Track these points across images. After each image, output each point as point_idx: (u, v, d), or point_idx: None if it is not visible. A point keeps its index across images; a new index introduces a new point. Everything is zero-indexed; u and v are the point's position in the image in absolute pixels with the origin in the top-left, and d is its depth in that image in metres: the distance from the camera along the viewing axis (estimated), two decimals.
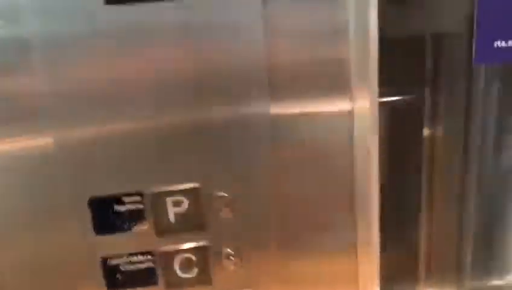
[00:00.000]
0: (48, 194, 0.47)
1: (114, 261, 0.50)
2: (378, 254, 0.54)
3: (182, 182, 0.48)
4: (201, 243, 0.51)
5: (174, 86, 0.45)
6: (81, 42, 0.42)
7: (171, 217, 0.49)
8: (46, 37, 0.42)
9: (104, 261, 0.49)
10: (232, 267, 0.52)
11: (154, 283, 0.51)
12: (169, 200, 0.49)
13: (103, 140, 0.46)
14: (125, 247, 0.50)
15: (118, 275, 0.50)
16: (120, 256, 0.50)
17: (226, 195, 0.49)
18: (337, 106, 0.49)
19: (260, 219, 0.51)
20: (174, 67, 0.44)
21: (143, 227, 0.49)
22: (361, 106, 0.48)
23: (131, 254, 0.50)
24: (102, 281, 0.50)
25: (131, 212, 0.48)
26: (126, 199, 0.48)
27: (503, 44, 0.53)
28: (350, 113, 0.49)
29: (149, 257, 0.50)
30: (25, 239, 0.49)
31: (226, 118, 0.47)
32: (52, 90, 0.43)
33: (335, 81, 0.47)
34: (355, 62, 0.47)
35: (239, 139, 0.48)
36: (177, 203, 0.49)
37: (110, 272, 0.50)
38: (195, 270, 0.52)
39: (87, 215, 0.48)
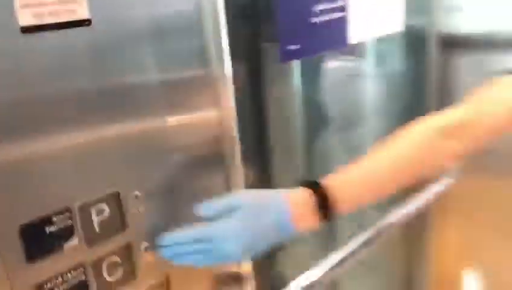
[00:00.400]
0: None
1: (49, 286, 0.51)
2: None
3: (102, 191, 0.54)
4: (124, 243, 0.57)
5: (90, 105, 0.51)
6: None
7: (96, 226, 0.54)
8: None
9: (39, 287, 0.50)
10: (151, 259, 0.59)
11: None
12: (93, 210, 0.53)
13: (25, 163, 0.47)
14: (58, 268, 0.51)
15: None
16: (54, 278, 0.51)
17: (140, 194, 0.57)
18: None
19: (168, 211, 0.60)
20: (87, 88, 0.50)
21: (73, 243, 0.52)
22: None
23: (63, 273, 0.52)
24: None
25: (61, 230, 0.51)
26: (55, 218, 0.50)
27: (294, 47, 0.76)
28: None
29: (81, 269, 0.53)
30: None
31: (130, 131, 0.55)
32: None
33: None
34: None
35: (143, 147, 0.56)
36: (100, 211, 0.54)
37: None
38: (121, 271, 0.57)
39: (17, 244, 0.48)
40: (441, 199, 1.13)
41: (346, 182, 0.61)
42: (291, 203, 0.58)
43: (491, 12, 1.14)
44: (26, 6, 0.44)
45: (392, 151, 0.64)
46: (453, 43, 1.20)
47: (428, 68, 1.19)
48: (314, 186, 0.59)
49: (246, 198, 0.59)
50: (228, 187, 0.68)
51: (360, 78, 1.17)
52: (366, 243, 0.87)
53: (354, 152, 1.15)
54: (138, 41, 0.54)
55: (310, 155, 1.02)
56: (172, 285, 0.62)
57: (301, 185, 0.60)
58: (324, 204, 0.58)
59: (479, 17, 1.17)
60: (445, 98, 1.24)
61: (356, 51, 1.12)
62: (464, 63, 1.23)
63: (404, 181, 0.64)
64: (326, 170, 0.62)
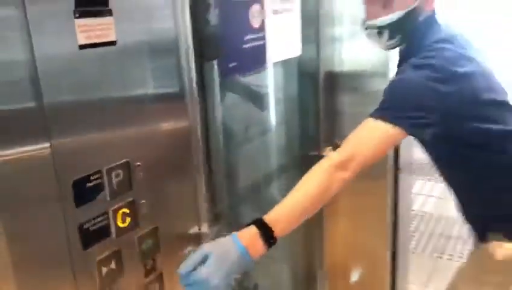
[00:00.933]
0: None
1: (86, 225, 0.72)
2: None
3: (120, 160, 0.76)
4: (130, 199, 0.79)
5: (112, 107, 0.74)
6: None
7: (115, 185, 0.76)
8: None
9: (81, 226, 0.71)
10: (147, 212, 0.83)
11: (108, 235, 0.76)
12: (113, 173, 0.76)
13: (78, 144, 0.69)
14: (92, 213, 0.73)
15: (89, 235, 0.73)
16: (90, 220, 0.73)
17: (140, 164, 0.80)
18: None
19: (161, 173, 0.85)
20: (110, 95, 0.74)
21: (102, 196, 0.74)
22: None
23: (95, 217, 0.73)
24: (79, 242, 0.71)
25: (95, 186, 0.73)
26: (92, 177, 0.72)
27: (232, 65, 1.05)
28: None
29: (105, 215, 0.75)
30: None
31: (134, 130, 0.79)
32: None
33: None
34: None
35: (140, 139, 0.80)
36: (117, 175, 0.76)
37: (84, 233, 0.72)
38: (129, 220, 0.80)
39: (70, 195, 0.69)
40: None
41: (280, 215, 0.91)
42: (244, 240, 0.85)
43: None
44: (82, 31, 0.67)
45: (307, 187, 0.96)
46: (336, 75, 1.57)
47: (317, 95, 1.54)
48: (259, 222, 0.88)
49: (212, 247, 0.85)
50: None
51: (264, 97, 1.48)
52: None
53: (259, 158, 1.47)
54: (139, 59, 0.79)
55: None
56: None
57: (251, 223, 0.89)
58: (267, 234, 0.87)
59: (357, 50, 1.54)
60: (332, 121, 1.60)
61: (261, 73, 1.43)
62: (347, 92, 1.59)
63: (318, 205, 0.98)
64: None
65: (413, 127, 1.00)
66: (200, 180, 0.98)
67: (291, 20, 1.26)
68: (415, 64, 1.01)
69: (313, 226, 1.67)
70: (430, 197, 3.56)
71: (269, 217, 0.89)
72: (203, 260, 0.82)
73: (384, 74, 1.51)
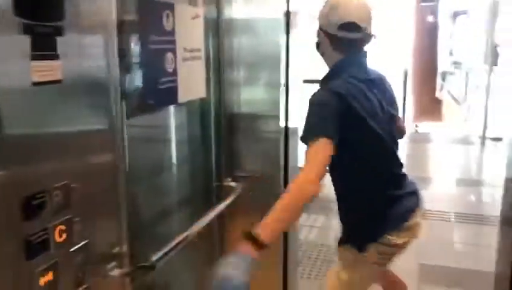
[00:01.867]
0: None
1: (31, 238, 0.81)
2: None
3: (60, 181, 0.87)
4: (68, 216, 0.90)
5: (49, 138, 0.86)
6: None
7: (56, 203, 0.87)
8: None
9: (25, 239, 0.80)
10: (80, 229, 0.93)
11: (48, 248, 0.86)
12: (54, 193, 0.86)
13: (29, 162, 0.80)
14: (36, 228, 0.82)
15: (32, 247, 0.82)
16: (33, 234, 0.82)
17: (76, 186, 0.92)
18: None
19: (93, 196, 0.96)
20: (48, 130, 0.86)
21: (44, 212, 0.84)
22: None
23: (39, 232, 0.83)
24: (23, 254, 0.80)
25: (40, 203, 0.83)
26: (37, 195, 0.82)
27: (151, 102, 1.21)
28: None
29: (46, 231, 0.85)
30: None
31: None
32: None
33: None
34: None
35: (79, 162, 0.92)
36: (57, 195, 0.87)
37: (28, 246, 0.81)
38: (65, 236, 0.90)
39: (18, 211, 0.79)
40: (230, 206, 1.68)
41: (263, 226, 1.30)
42: (246, 251, 1.26)
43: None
44: (36, 71, 0.80)
45: (286, 200, 1.35)
46: (236, 116, 1.78)
47: (219, 133, 1.73)
48: (250, 234, 1.28)
49: (227, 265, 1.24)
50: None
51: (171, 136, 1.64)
52: (193, 233, 1.34)
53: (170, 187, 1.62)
54: (76, 96, 0.92)
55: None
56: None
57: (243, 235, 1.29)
58: (256, 243, 1.26)
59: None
60: (232, 156, 1.80)
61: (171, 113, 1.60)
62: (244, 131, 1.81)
63: (297, 215, 1.42)
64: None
65: (335, 134, 1.41)
66: (123, 205, 1.10)
67: (197, 66, 1.46)
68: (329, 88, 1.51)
69: (214, 260, 1.82)
70: (314, 228, 3.93)
71: (256, 229, 1.30)
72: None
73: (276, 116, 1.77)
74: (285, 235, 1.88)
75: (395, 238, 1.64)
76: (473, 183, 5.38)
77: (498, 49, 7.27)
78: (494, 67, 7.07)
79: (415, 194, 1.73)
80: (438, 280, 3.06)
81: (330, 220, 4.13)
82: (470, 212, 4.17)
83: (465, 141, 7.39)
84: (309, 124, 1.43)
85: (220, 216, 1.68)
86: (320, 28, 1.59)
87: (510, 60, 6.78)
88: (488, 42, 7.72)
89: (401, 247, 1.71)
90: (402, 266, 3.27)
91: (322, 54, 1.65)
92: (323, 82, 1.60)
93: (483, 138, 7.01)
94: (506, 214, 1.76)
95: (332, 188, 1.70)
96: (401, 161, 1.74)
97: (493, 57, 7.07)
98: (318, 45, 1.64)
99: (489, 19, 8.00)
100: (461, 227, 3.96)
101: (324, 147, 1.37)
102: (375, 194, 1.61)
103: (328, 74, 1.62)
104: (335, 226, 3.98)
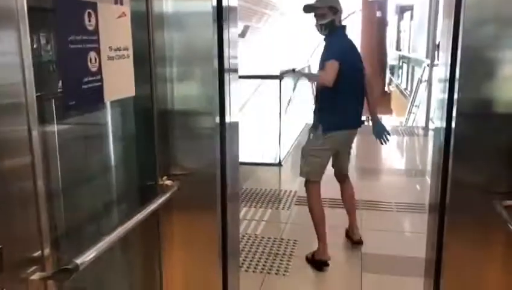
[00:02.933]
0: None
1: None
2: None
3: None
4: None
5: None
6: None
7: None
8: None
9: None
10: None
11: None
12: None
13: None
14: None
15: None
16: None
17: None
18: None
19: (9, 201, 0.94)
20: None
21: None
22: None
23: None
24: None
25: None
26: None
27: (72, 103, 1.19)
28: None
29: None
30: None
31: None
32: None
33: None
34: None
35: None
36: None
37: None
38: None
39: None
40: (167, 205, 1.68)
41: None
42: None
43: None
44: None
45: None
46: (169, 113, 1.76)
47: (152, 131, 1.71)
48: None
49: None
50: None
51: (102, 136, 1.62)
52: (122, 233, 1.33)
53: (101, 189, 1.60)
54: None
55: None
56: None
57: None
58: None
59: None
60: (167, 154, 1.77)
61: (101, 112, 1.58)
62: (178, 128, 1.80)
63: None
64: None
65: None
66: (43, 209, 1.08)
67: (125, 64, 1.44)
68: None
69: (152, 260, 1.82)
70: (260, 222, 3.98)
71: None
72: None
73: (210, 113, 1.77)
74: (224, 228, 1.90)
75: (344, 132, 3.20)
76: (417, 173, 5.60)
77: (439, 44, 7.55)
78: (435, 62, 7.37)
79: (361, 122, 3.30)
80: (380, 268, 3.18)
81: (270, 213, 4.20)
82: (414, 201, 4.34)
83: (410, 133, 7.67)
84: (328, 56, 3.04)
85: (156, 214, 1.68)
86: (336, 8, 3.12)
87: None
88: (429, 38, 8.03)
89: (341, 142, 3.26)
90: (345, 255, 3.39)
91: (329, 28, 3.13)
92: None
93: (426, 130, 7.30)
94: (432, 201, 1.86)
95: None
96: (362, 100, 3.25)
97: (434, 52, 7.35)
98: (328, 22, 3.12)
99: (430, 15, 8.32)
100: (404, 216, 4.13)
101: (333, 64, 2.97)
102: (346, 102, 3.11)
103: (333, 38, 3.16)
104: (275, 220, 4.07)
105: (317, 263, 3.17)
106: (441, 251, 1.73)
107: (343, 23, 3.29)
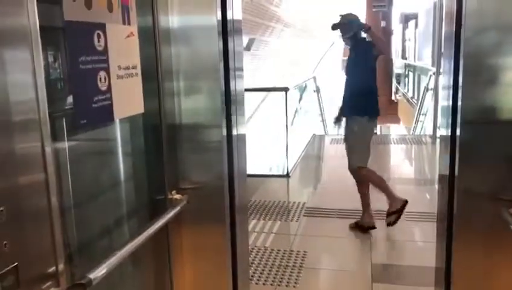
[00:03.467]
0: None
1: None
2: None
3: None
4: None
5: None
6: None
7: None
8: None
9: None
10: (8, 251, 0.94)
11: None
12: None
13: None
14: None
15: None
16: None
17: (3, 209, 0.92)
18: None
19: (22, 218, 0.97)
20: None
21: None
22: None
23: None
24: None
25: None
26: None
27: (83, 122, 1.22)
28: None
29: None
30: None
31: None
32: None
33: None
34: None
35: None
36: None
37: None
38: None
39: None
40: (176, 218, 1.70)
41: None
42: None
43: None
44: None
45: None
46: (177, 127, 1.79)
47: (160, 146, 1.74)
48: None
49: None
50: None
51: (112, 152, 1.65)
52: (134, 247, 1.35)
53: (112, 204, 1.63)
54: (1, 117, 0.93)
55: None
56: None
57: None
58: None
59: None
60: (175, 168, 1.79)
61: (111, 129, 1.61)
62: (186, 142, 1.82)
63: None
64: None
65: None
66: (57, 225, 1.11)
67: (134, 82, 1.48)
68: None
69: (163, 273, 1.84)
70: (269, 234, 3.98)
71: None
72: None
73: (218, 126, 1.79)
74: (234, 240, 1.91)
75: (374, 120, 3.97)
76: (426, 182, 5.58)
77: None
78: (441, 70, 7.37)
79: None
80: (390, 278, 3.17)
81: (279, 225, 4.20)
82: (423, 210, 4.32)
83: (418, 141, 7.65)
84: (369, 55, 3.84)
85: (165, 228, 1.70)
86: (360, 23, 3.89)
87: None
88: (434, 46, 8.04)
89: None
90: (356, 266, 3.38)
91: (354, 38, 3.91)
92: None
93: (433, 138, 7.28)
94: (440, 209, 1.86)
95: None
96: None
97: (439, 60, 7.36)
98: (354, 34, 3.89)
99: (435, 24, 8.34)
100: (415, 225, 4.11)
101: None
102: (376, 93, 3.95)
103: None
104: (284, 232, 4.07)
105: (400, 210, 3.85)
106: (450, 259, 1.73)
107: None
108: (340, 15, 3.93)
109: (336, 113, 4.38)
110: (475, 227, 1.63)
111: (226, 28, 1.75)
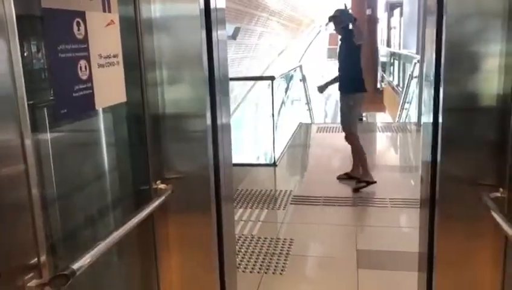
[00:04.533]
0: None
1: None
2: None
3: None
4: None
5: None
6: None
7: None
8: None
9: None
10: None
11: None
12: None
13: None
14: None
15: None
16: None
17: None
18: None
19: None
20: None
21: None
22: None
23: None
24: None
25: None
26: None
27: (63, 112, 1.21)
28: None
29: None
30: None
31: None
32: None
33: None
34: None
35: None
36: None
37: None
38: None
39: None
40: (162, 208, 1.70)
41: None
42: None
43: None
44: None
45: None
46: (161, 117, 1.78)
47: (144, 136, 1.73)
48: None
49: None
50: None
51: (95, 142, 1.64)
52: (118, 238, 1.35)
53: (96, 194, 1.62)
54: None
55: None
56: None
57: None
58: None
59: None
60: (159, 158, 1.79)
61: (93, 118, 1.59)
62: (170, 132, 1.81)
63: None
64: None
65: None
66: (38, 216, 1.10)
67: (115, 71, 1.46)
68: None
69: (149, 263, 1.84)
70: (256, 222, 4.00)
71: None
72: None
73: (203, 115, 1.78)
74: (220, 229, 1.91)
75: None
76: (411, 169, 5.64)
77: None
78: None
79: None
80: (375, 263, 3.21)
81: (266, 214, 4.22)
82: (408, 197, 4.38)
83: (403, 129, 7.72)
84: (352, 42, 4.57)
85: (151, 218, 1.70)
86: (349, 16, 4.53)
87: None
88: (419, 34, 8.08)
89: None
90: (341, 252, 3.42)
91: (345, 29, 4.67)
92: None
93: (418, 125, 7.35)
94: (423, 195, 1.88)
95: None
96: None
97: (424, 48, 7.41)
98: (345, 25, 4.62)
99: (420, 11, 8.36)
100: (399, 212, 4.16)
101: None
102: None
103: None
104: (271, 220, 4.09)
105: (368, 183, 4.66)
106: (432, 244, 1.76)
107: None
108: (337, 9, 4.73)
109: (321, 83, 5.28)
110: (457, 212, 1.65)
111: (209, 17, 1.73)
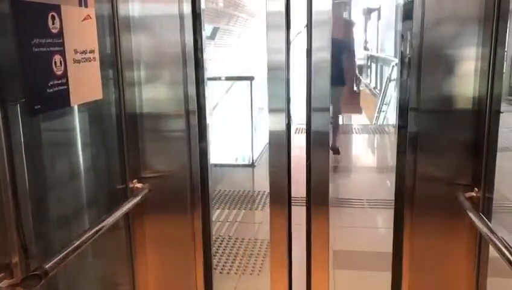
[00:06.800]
0: None
1: None
2: None
3: None
4: None
5: None
6: None
7: None
8: None
9: None
10: None
11: None
12: None
13: None
14: None
15: None
16: None
17: None
18: None
19: None
20: None
21: None
22: None
23: None
24: None
25: None
26: None
27: (37, 107, 1.17)
28: None
29: None
30: None
31: None
32: None
33: None
34: None
35: None
36: None
37: None
38: None
39: None
40: (138, 208, 1.68)
41: None
42: None
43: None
44: None
45: None
46: (138, 116, 1.76)
47: (121, 135, 1.70)
48: None
49: None
50: None
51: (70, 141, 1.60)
52: (92, 237, 1.32)
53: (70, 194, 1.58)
54: None
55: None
56: None
57: None
58: None
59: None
60: (136, 157, 1.76)
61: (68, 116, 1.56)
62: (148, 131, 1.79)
63: None
64: None
65: None
66: (10, 216, 1.07)
67: (91, 67, 1.43)
68: None
69: (124, 264, 1.81)
70: (233, 223, 3.99)
71: None
72: None
73: (180, 115, 1.77)
74: (197, 229, 1.89)
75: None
76: (388, 170, 5.70)
77: None
78: None
79: None
80: (351, 264, 3.23)
81: (243, 214, 4.22)
82: (384, 197, 4.42)
83: (381, 131, 7.81)
84: None
85: (126, 217, 1.67)
86: None
87: None
88: (397, 37, 8.18)
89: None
90: (317, 253, 3.42)
91: None
92: None
93: (396, 127, 7.44)
94: (398, 196, 1.90)
95: None
96: None
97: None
98: None
99: (397, 15, 8.48)
100: (376, 213, 4.20)
101: None
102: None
103: None
104: (248, 221, 4.08)
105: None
106: (402, 244, 1.78)
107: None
108: None
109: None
110: (432, 212, 1.68)
111: (196, 17, 1.71)
